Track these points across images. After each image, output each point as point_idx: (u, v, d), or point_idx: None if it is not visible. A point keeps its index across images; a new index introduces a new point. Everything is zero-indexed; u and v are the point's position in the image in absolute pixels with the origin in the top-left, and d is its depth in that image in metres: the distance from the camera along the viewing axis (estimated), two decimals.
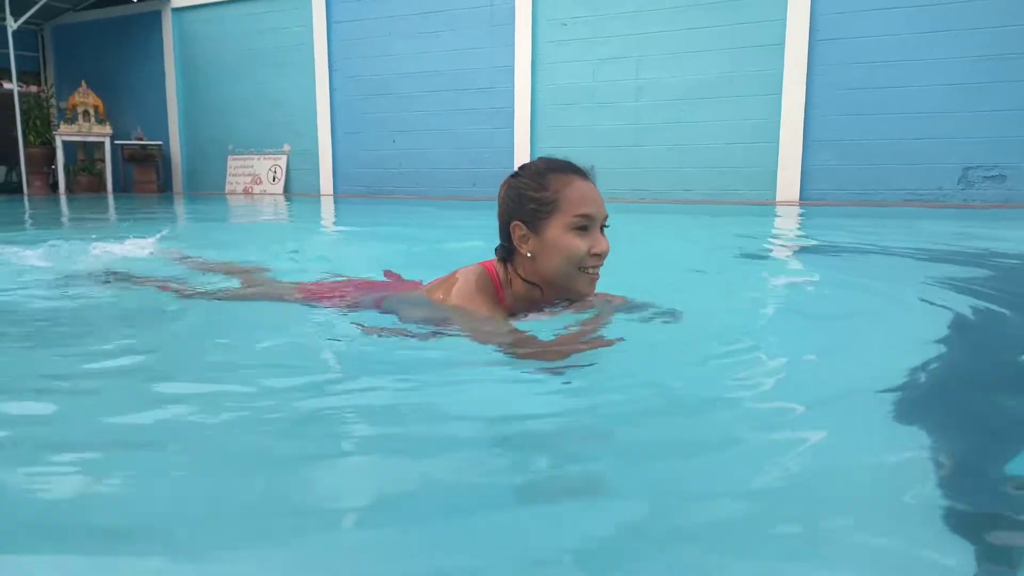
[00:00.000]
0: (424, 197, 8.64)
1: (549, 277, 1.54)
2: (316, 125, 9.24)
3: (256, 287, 2.16)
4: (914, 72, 6.36)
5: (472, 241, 3.19)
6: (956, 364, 1.32)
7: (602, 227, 1.53)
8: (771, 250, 3.59)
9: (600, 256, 1.51)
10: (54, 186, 10.18)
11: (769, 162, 6.98)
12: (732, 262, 3.02)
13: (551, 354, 1.38)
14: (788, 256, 3.43)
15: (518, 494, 0.82)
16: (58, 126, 10.02)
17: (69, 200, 8.36)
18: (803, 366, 1.38)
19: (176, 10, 10.08)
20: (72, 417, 1.08)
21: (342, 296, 1.85)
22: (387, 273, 2.27)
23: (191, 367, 1.36)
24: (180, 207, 7.51)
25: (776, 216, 5.81)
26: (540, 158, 1.61)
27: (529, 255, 1.54)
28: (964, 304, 1.84)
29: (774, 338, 1.62)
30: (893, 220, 5.10)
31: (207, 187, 10.30)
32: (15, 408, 1.12)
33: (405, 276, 2.15)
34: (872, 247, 3.50)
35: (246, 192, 9.73)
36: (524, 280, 1.58)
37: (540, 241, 1.51)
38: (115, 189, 10.20)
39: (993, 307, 1.81)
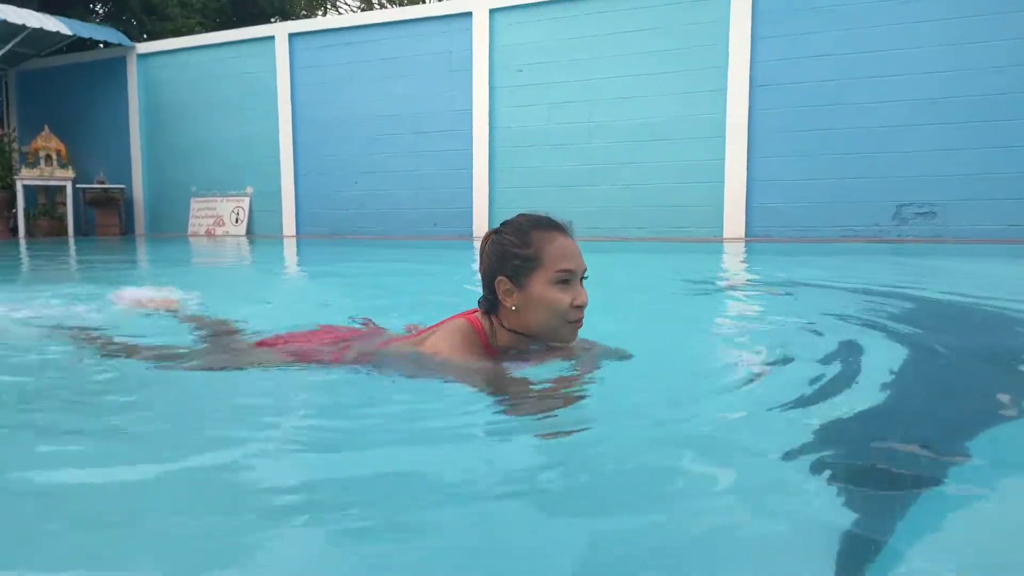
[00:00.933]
0: (387, 237, 8.78)
1: (534, 328, 1.62)
2: (279, 167, 9.38)
3: (223, 351, 2.02)
4: (848, 115, 6.72)
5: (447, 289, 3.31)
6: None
7: (581, 279, 1.61)
8: (717, 286, 3.78)
9: (581, 307, 1.59)
10: (14, 230, 10.14)
11: (716, 201, 7.27)
12: (686, 298, 3.20)
13: (541, 404, 1.42)
14: (732, 291, 3.61)
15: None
16: (19, 170, 10.03)
17: (29, 244, 8.34)
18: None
19: (141, 56, 10.23)
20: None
21: (321, 352, 1.81)
22: (364, 321, 2.26)
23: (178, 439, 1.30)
24: (142, 250, 7.55)
25: (723, 253, 6.04)
26: (521, 215, 1.67)
27: (514, 308, 1.61)
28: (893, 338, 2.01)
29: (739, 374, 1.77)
30: (833, 256, 5.35)
31: (170, 229, 10.34)
32: None
33: (377, 320, 2.17)
34: (817, 282, 3.71)
35: (208, 234, 9.79)
36: (509, 331, 1.65)
37: (524, 295, 1.59)
38: (76, 232, 10.19)
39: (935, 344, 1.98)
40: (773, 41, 6.94)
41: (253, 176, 9.65)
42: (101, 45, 10.58)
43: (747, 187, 7.13)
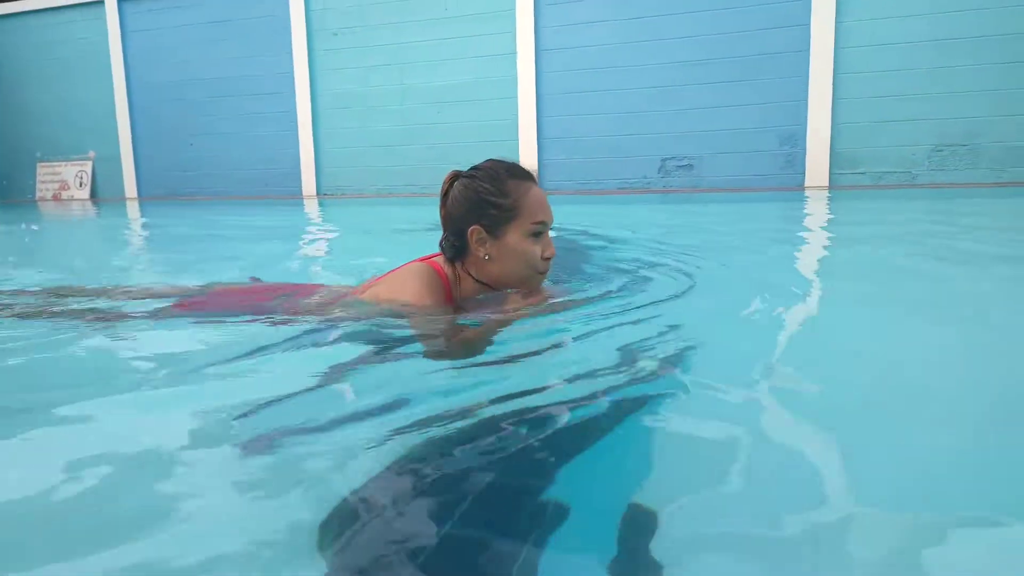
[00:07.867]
0: (223, 197, 9.12)
1: (503, 279, 1.59)
2: (117, 131, 9.56)
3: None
4: (621, 77, 7.31)
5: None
6: None
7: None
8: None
9: (550, 259, 1.60)
10: None
11: (514, 157, 7.80)
12: None
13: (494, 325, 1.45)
14: None
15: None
16: None
17: None
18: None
19: None
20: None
21: (273, 305, 1.73)
22: (254, 279, 2.18)
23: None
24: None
25: None
26: (493, 160, 1.62)
27: (487, 258, 1.57)
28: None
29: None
30: (607, 207, 5.96)
31: (19, 195, 10.43)
32: None
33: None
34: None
35: (55, 198, 9.95)
36: (475, 280, 1.62)
37: (499, 246, 1.55)
38: None
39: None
40: (555, 8, 7.44)
41: (94, 140, 9.81)
42: None
43: (538, 145, 7.71)
